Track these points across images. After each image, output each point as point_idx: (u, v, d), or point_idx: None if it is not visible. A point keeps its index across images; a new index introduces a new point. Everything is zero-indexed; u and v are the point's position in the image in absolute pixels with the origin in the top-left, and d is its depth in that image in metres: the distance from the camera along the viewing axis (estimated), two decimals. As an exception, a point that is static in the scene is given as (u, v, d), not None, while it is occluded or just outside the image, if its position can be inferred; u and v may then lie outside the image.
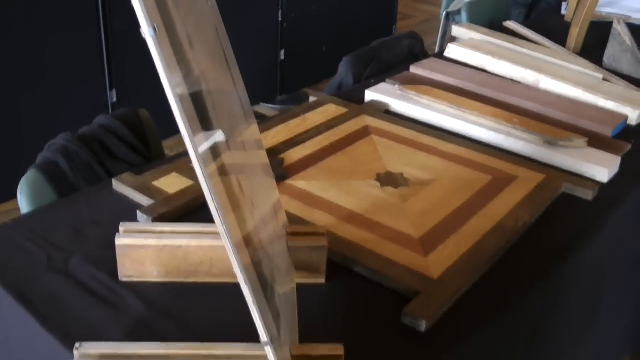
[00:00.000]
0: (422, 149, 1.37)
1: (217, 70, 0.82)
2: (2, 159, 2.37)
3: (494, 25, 2.23)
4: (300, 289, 0.94)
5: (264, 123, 1.44)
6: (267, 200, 0.92)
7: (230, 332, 0.84)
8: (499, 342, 0.99)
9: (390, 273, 0.98)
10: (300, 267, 0.97)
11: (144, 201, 1.13)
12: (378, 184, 1.23)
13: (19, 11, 2.30)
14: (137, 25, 0.57)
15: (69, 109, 2.51)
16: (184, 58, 0.65)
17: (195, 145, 0.61)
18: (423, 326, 0.89)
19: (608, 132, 1.48)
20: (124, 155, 1.34)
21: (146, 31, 0.57)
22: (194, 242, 0.95)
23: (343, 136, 1.40)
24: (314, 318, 0.91)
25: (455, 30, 2.07)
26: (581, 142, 1.39)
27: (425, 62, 1.83)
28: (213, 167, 0.66)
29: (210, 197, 0.63)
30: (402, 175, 1.26)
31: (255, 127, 0.97)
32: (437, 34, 3.21)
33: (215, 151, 0.68)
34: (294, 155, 1.31)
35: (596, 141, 1.41)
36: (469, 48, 1.87)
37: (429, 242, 1.07)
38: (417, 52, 2.10)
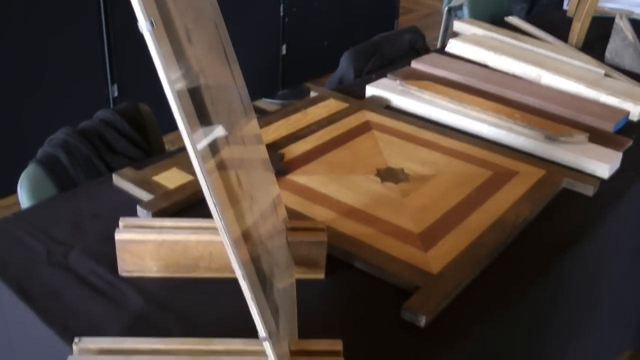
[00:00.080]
0: (423, 143, 1.37)
1: (217, 66, 0.82)
2: (3, 153, 2.37)
3: (496, 20, 2.23)
4: (300, 283, 0.94)
5: (265, 117, 1.44)
6: (266, 195, 0.92)
7: (230, 327, 0.84)
8: (498, 337, 0.99)
9: (390, 268, 0.98)
10: (300, 261, 0.97)
11: (144, 195, 1.13)
12: (378, 179, 1.22)
13: (20, 5, 2.29)
14: (137, 20, 0.57)
15: (70, 103, 2.51)
16: (182, 53, 0.65)
17: (193, 142, 0.61)
18: (422, 321, 0.89)
19: (609, 127, 1.47)
20: (124, 150, 1.34)
21: (143, 25, 0.56)
22: (193, 237, 0.95)
23: (344, 131, 1.40)
24: (313, 313, 0.91)
25: (457, 25, 2.06)
26: (582, 137, 1.38)
27: (427, 56, 1.83)
28: (211, 163, 0.65)
29: (209, 193, 0.63)
30: (402, 170, 1.26)
31: (255, 122, 0.97)
32: (439, 29, 3.20)
33: (213, 146, 0.68)
34: (295, 149, 1.31)
35: (597, 136, 1.41)
36: (471, 43, 1.86)
37: (429, 237, 1.07)
38: (419, 46, 2.09)
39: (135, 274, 0.96)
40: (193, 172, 1.20)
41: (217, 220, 0.64)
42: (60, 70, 2.48)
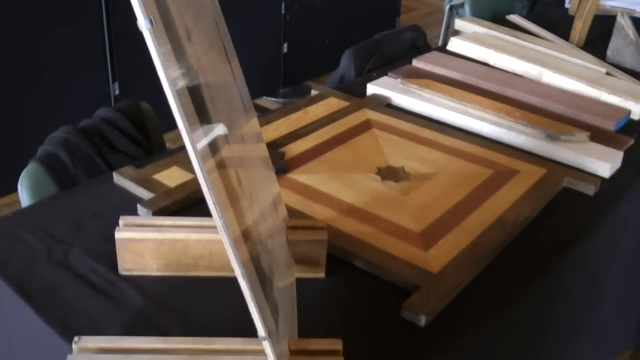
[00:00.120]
0: (424, 142, 1.36)
1: (217, 64, 0.82)
2: (3, 152, 2.37)
3: (498, 18, 2.23)
4: (300, 282, 0.94)
5: (266, 116, 1.44)
6: (266, 194, 0.92)
7: (230, 326, 0.84)
8: (498, 336, 0.99)
9: (390, 267, 0.98)
10: (300, 260, 0.97)
11: (145, 194, 1.13)
12: (379, 177, 1.22)
13: (21, 3, 2.29)
14: (137, 18, 0.57)
15: (71, 101, 2.50)
16: (182, 51, 0.65)
17: (192, 141, 0.61)
18: (422, 320, 0.89)
19: (611, 125, 1.47)
20: (125, 148, 1.34)
21: (142, 23, 0.56)
22: (193, 236, 0.95)
23: (344, 129, 1.40)
24: (313, 312, 0.91)
25: (459, 23, 2.06)
26: (583, 135, 1.38)
27: (428, 55, 1.83)
28: (211, 162, 0.65)
29: (208, 192, 0.63)
30: (403, 168, 1.26)
31: (255, 120, 0.97)
32: (441, 27, 3.20)
33: (213, 145, 0.68)
34: (295, 148, 1.31)
35: (599, 135, 1.41)
36: (472, 41, 1.86)
37: (430, 236, 1.07)
38: (420, 45, 2.09)
39: (135, 273, 0.96)
40: (193, 171, 1.19)
41: (216, 219, 0.64)
42: (61, 69, 2.48)
